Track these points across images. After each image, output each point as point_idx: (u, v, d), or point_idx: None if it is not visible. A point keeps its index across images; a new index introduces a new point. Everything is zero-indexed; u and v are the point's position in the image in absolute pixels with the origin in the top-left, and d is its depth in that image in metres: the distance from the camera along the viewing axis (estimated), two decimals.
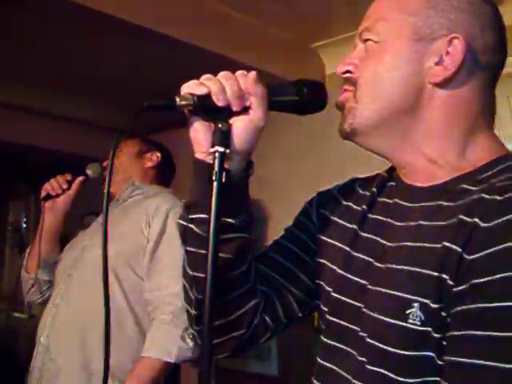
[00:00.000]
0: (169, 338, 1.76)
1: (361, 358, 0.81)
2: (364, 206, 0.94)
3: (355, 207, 0.96)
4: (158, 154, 2.21)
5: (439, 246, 0.75)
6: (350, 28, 2.38)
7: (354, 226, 0.93)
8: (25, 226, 4.14)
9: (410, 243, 0.81)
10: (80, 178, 2.07)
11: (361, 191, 0.99)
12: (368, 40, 0.88)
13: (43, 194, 2.05)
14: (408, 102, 0.84)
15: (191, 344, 1.76)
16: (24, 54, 2.34)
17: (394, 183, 0.94)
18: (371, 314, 0.81)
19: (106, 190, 0.80)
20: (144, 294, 1.85)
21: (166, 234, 1.88)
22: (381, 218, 0.91)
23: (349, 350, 0.85)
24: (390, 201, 0.91)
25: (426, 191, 0.86)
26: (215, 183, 0.78)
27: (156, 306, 1.81)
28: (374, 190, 0.95)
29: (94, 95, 2.88)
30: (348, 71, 0.89)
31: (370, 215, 0.93)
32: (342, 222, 0.97)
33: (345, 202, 0.99)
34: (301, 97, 0.87)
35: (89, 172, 2.07)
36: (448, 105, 0.84)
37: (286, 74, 2.39)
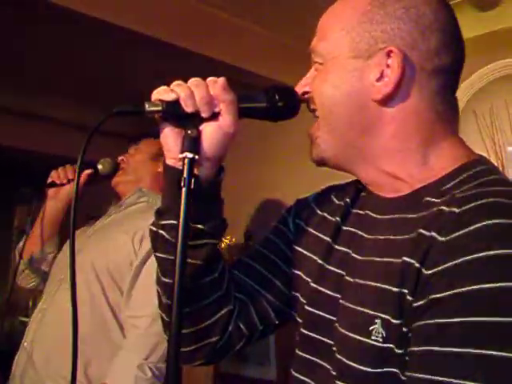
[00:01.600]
0: (125, 366, 1.68)
1: (333, 373, 0.81)
2: (338, 218, 0.93)
3: (330, 218, 0.95)
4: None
5: (399, 260, 0.75)
6: None
7: (328, 239, 0.92)
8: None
9: (377, 258, 0.80)
10: (88, 171, 2.00)
11: (336, 201, 0.98)
12: (315, 62, 0.88)
13: (49, 180, 2.01)
14: (356, 120, 0.83)
15: (149, 374, 1.66)
16: (23, 58, 2.37)
17: (365, 193, 0.93)
18: (340, 329, 0.81)
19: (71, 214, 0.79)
20: (122, 313, 1.80)
21: (149, 259, 1.80)
22: (353, 229, 0.90)
23: (322, 363, 0.85)
24: (362, 212, 0.91)
25: (392, 203, 0.85)
26: (184, 189, 0.78)
27: (126, 329, 1.77)
28: (348, 200, 0.95)
29: (100, 101, 2.90)
30: (305, 92, 0.89)
31: (344, 227, 0.92)
32: (316, 233, 0.96)
33: (320, 213, 0.98)
34: (271, 103, 0.87)
35: (99, 167, 2.02)
36: (398, 120, 0.82)
37: (283, 78, 2.38)
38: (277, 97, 0.87)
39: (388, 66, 0.80)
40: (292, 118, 0.90)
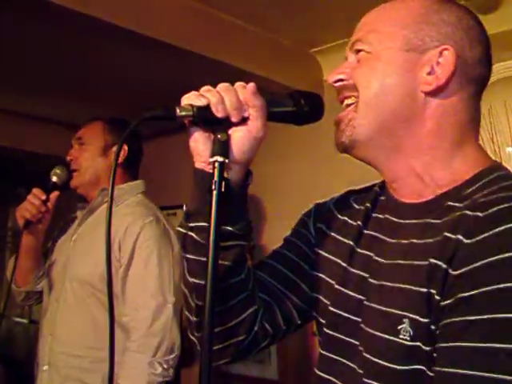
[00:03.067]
0: (136, 366, 1.76)
1: (360, 371, 0.84)
2: (359, 222, 0.96)
3: (351, 222, 0.98)
4: (125, 147, 2.02)
5: (426, 262, 0.78)
6: (347, 34, 2.38)
7: (351, 243, 0.95)
8: None
9: (401, 261, 0.84)
10: (55, 194, 1.96)
11: (356, 206, 1.01)
12: (360, 51, 0.90)
13: (22, 221, 1.92)
14: (402, 109, 0.86)
15: (160, 369, 1.76)
16: (22, 58, 2.36)
17: (384, 197, 0.97)
18: (366, 329, 0.84)
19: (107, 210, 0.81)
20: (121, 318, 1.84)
21: (134, 259, 1.86)
22: (375, 233, 0.93)
23: (348, 363, 0.88)
24: (382, 216, 0.94)
25: (414, 208, 0.88)
26: (215, 192, 0.80)
27: (128, 332, 1.81)
28: (368, 205, 0.98)
29: (94, 100, 2.90)
30: (340, 80, 0.91)
31: (365, 231, 0.95)
32: (339, 237, 0.99)
33: (341, 217, 1.01)
34: (298, 108, 0.89)
35: (55, 179, 1.98)
36: (439, 115, 0.86)
37: (284, 79, 2.41)
38: (303, 101, 0.89)
39: (438, 63, 0.85)
40: (317, 121, 0.92)
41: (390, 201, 0.93)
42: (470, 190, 0.82)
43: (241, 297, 0.92)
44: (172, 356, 1.80)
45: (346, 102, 0.91)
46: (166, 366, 1.78)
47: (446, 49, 0.85)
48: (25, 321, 3.77)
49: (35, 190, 1.93)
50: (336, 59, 2.55)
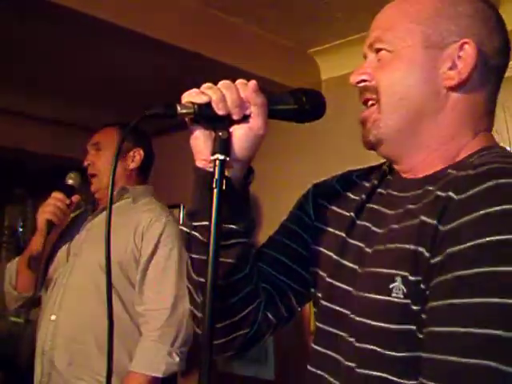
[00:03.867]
0: (157, 355, 1.82)
1: (350, 339, 0.84)
2: (363, 196, 0.97)
3: (353, 197, 0.99)
4: (141, 152, 2.12)
5: (417, 221, 0.79)
6: (345, 34, 2.40)
7: (352, 214, 0.96)
8: (21, 229, 4.15)
9: (395, 225, 0.85)
10: (76, 197, 2.01)
11: (359, 182, 1.02)
12: (381, 50, 0.90)
13: (43, 223, 1.91)
14: (426, 106, 0.87)
15: (177, 359, 1.84)
16: (22, 58, 2.35)
17: (391, 177, 0.97)
18: (359, 293, 0.85)
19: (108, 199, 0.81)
20: (135, 307, 1.89)
21: (157, 253, 1.91)
22: (375, 206, 0.94)
23: (339, 332, 0.88)
24: (384, 192, 0.95)
25: (418, 181, 0.89)
26: (215, 190, 0.79)
27: (145, 321, 1.86)
28: (376, 182, 0.98)
29: (93, 100, 2.90)
30: (363, 80, 0.92)
31: (367, 205, 0.96)
32: (339, 210, 0.99)
33: (343, 192, 1.02)
34: (300, 106, 0.89)
35: (71, 182, 2.02)
36: (459, 108, 0.87)
37: (282, 79, 2.40)
38: (304, 99, 0.89)
39: (459, 57, 0.86)
40: (318, 119, 0.92)
41: (397, 179, 0.94)
42: (469, 160, 0.83)
43: (245, 292, 0.92)
44: (185, 348, 1.88)
45: (370, 102, 0.91)
46: (181, 357, 1.85)
47: (466, 42, 0.85)
48: (21, 320, 3.75)
49: (57, 194, 1.96)
50: (334, 60, 2.56)
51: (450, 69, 0.86)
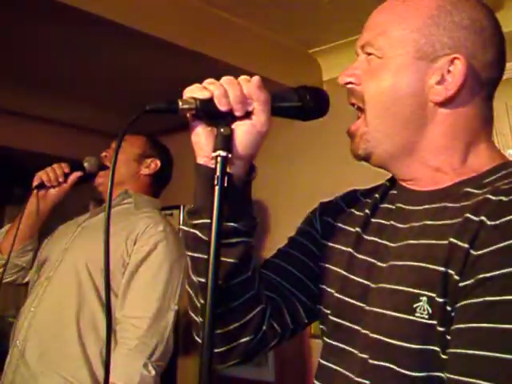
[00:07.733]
0: (132, 365, 1.71)
1: (362, 355, 0.82)
2: (367, 211, 0.96)
3: (358, 213, 0.98)
4: (158, 163, 2.11)
5: (445, 242, 0.77)
6: (347, 34, 2.39)
7: (358, 229, 0.94)
8: None
9: (413, 241, 0.82)
10: (77, 174, 1.99)
11: (363, 199, 1.01)
12: (371, 54, 0.88)
13: (37, 181, 1.95)
14: (413, 118, 0.86)
15: (153, 372, 1.72)
16: (22, 58, 2.34)
17: (395, 191, 0.96)
18: (375, 309, 0.82)
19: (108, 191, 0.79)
20: (116, 313, 1.81)
21: (149, 259, 1.86)
22: (383, 221, 0.92)
23: (350, 349, 0.86)
24: (393, 206, 0.93)
25: (430, 194, 0.87)
26: (217, 187, 0.78)
27: (123, 328, 1.78)
28: (377, 196, 0.97)
29: (93, 100, 2.89)
30: (350, 82, 0.90)
31: (373, 219, 0.94)
32: (345, 226, 0.98)
33: (347, 209, 1.01)
34: (304, 103, 0.87)
35: (86, 165, 2.00)
36: (450, 122, 0.86)
37: (284, 79, 2.39)
38: (308, 97, 0.88)
39: (449, 71, 0.84)
40: (321, 117, 0.90)
41: (403, 192, 0.93)
42: (489, 179, 0.81)
43: (247, 295, 0.89)
44: (163, 363, 1.79)
45: (358, 113, 0.90)
46: (158, 371, 1.75)
47: (457, 58, 0.83)
48: (17, 320, 3.73)
49: (62, 163, 1.98)
50: (335, 60, 2.55)
51: (438, 83, 0.84)
